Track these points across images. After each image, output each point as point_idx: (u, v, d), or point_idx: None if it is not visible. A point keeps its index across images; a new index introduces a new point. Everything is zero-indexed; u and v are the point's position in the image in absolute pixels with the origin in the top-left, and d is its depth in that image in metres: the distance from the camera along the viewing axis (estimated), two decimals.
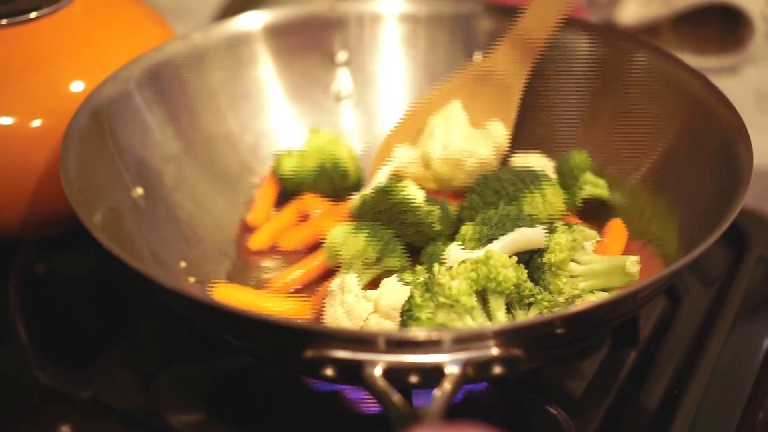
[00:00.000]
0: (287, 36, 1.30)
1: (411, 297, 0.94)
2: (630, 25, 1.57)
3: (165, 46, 1.21)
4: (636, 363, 1.07)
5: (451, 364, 0.80)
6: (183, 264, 1.13)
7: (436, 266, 0.94)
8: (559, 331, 0.86)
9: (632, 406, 1.04)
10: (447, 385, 0.79)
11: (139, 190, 1.13)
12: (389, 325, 0.99)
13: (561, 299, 0.99)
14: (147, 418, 1.02)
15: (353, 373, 0.81)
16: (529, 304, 0.94)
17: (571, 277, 1.00)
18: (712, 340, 1.10)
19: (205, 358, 1.08)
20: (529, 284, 0.94)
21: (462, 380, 0.80)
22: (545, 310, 0.94)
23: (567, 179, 1.15)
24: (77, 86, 1.14)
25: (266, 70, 1.30)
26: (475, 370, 0.81)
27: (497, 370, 0.82)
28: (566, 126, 1.24)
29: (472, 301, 0.90)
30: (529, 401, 1.01)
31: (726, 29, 1.60)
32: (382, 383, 0.80)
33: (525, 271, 0.94)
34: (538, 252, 1.01)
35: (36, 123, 1.12)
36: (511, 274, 0.92)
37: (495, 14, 1.29)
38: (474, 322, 0.90)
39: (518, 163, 1.23)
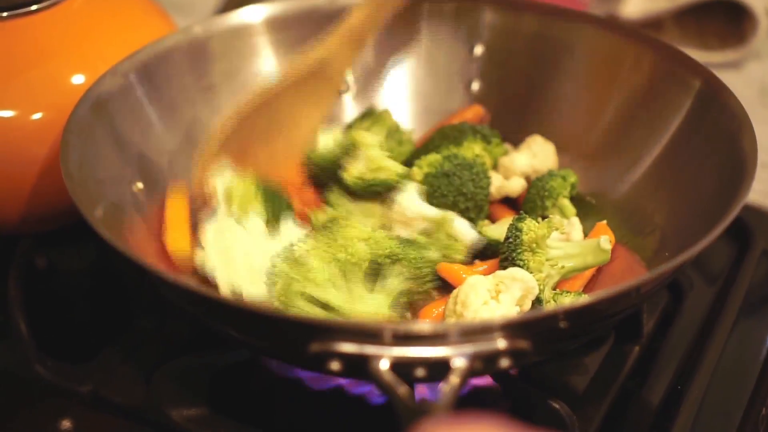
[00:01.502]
0: (288, 29, 1.29)
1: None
2: (634, 20, 1.57)
3: (166, 39, 1.21)
4: (639, 358, 1.07)
5: (458, 357, 0.80)
6: None
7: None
8: (564, 324, 0.86)
9: (635, 401, 1.04)
10: (454, 379, 0.79)
11: (140, 185, 1.12)
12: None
13: (540, 275, 1.02)
14: (147, 413, 1.01)
15: (359, 367, 0.81)
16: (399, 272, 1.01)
17: (548, 259, 1.03)
18: (715, 336, 1.10)
19: (206, 352, 1.07)
20: (392, 250, 1.02)
21: (469, 373, 0.80)
22: (417, 270, 1.01)
23: (537, 198, 1.15)
24: (78, 79, 1.14)
25: (267, 64, 1.29)
26: (482, 363, 0.81)
27: (504, 363, 0.82)
28: (569, 120, 1.24)
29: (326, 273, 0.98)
30: (533, 396, 1.01)
31: (730, 24, 1.60)
32: (389, 377, 0.79)
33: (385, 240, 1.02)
34: (514, 234, 1.04)
35: (36, 116, 1.11)
36: (363, 247, 1.00)
37: (497, 7, 1.29)
38: (337, 292, 0.97)
39: (522, 147, 1.23)
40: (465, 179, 1.14)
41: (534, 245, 1.04)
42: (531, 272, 1.02)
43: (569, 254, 1.06)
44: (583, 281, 1.08)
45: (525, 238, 1.03)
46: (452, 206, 1.13)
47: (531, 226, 1.04)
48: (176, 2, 1.51)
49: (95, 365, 1.07)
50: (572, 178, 1.16)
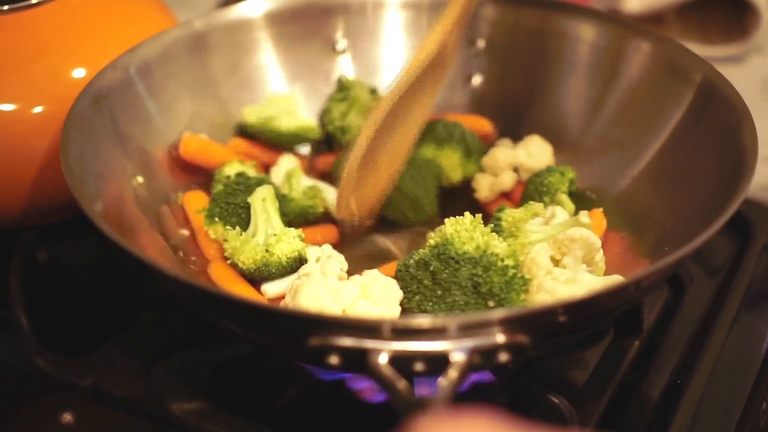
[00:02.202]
0: (288, 23, 1.30)
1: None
2: (636, 14, 1.57)
3: (166, 33, 1.21)
4: (639, 352, 1.07)
5: (456, 351, 0.80)
6: (181, 254, 1.13)
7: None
8: (563, 318, 0.86)
9: (635, 396, 1.03)
10: (453, 373, 0.79)
11: (140, 179, 1.12)
12: (377, 311, 1.00)
13: (521, 258, 1.04)
14: (147, 406, 1.02)
15: (358, 361, 0.81)
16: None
17: (530, 243, 1.06)
18: (715, 330, 1.09)
19: (206, 346, 1.07)
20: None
21: (468, 368, 0.80)
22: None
23: (534, 193, 1.15)
24: (79, 73, 1.14)
25: (267, 58, 1.29)
26: (481, 358, 0.81)
27: (503, 357, 0.82)
28: (570, 114, 1.24)
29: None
30: (532, 391, 1.01)
31: (732, 18, 1.59)
32: (387, 371, 0.79)
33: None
34: (495, 222, 1.08)
35: (37, 110, 1.11)
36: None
37: (497, 2, 1.29)
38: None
39: (520, 147, 1.23)
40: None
41: (513, 229, 1.07)
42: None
43: (551, 235, 1.07)
44: None
45: (504, 224, 1.07)
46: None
47: (509, 213, 1.08)
48: None
49: (96, 359, 1.07)
50: (571, 174, 1.16)
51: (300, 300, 0.99)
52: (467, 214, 1.04)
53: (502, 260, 1.00)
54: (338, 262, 1.05)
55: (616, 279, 1.00)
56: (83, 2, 1.18)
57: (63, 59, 1.15)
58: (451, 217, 1.04)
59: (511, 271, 0.99)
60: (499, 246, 1.02)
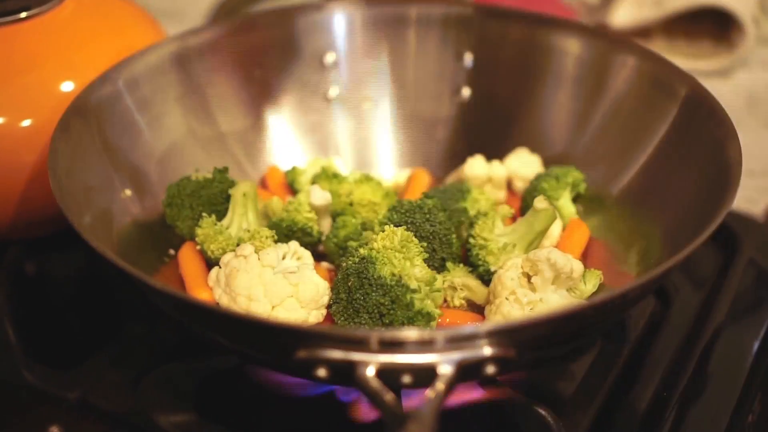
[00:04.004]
0: (276, 37, 1.30)
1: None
2: (622, 28, 1.58)
3: (155, 47, 1.21)
4: (626, 365, 1.07)
5: (444, 363, 0.80)
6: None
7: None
8: (549, 330, 0.86)
9: (622, 408, 1.04)
10: (440, 385, 0.79)
11: (128, 192, 1.12)
12: (302, 315, 1.02)
13: (498, 266, 1.07)
14: (135, 419, 1.01)
15: (346, 373, 0.81)
16: None
17: (499, 248, 1.08)
18: (701, 342, 1.10)
19: (193, 358, 1.08)
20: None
21: (455, 380, 0.80)
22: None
23: (529, 199, 1.14)
24: (67, 86, 1.14)
25: (256, 72, 1.29)
26: (468, 370, 0.81)
27: (490, 369, 0.82)
28: (556, 127, 1.25)
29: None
30: (519, 402, 1.01)
31: (718, 32, 1.61)
32: (375, 383, 0.79)
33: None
34: (468, 244, 1.11)
35: (25, 123, 1.12)
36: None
37: (485, 16, 1.29)
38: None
39: (509, 160, 1.24)
40: (419, 222, 1.09)
41: (482, 241, 1.09)
42: (490, 267, 1.08)
43: (517, 233, 1.09)
44: (553, 242, 1.14)
45: (472, 241, 1.10)
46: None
47: (474, 230, 1.10)
48: (166, 9, 1.52)
49: (83, 372, 1.07)
50: (569, 178, 1.17)
51: (234, 287, 1.01)
52: (401, 230, 1.04)
53: (413, 292, 0.99)
54: (275, 254, 1.05)
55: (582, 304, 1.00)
56: (72, 16, 1.18)
57: (51, 72, 1.15)
58: (387, 228, 1.04)
59: (417, 306, 0.99)
60: (417, 273, 1.01)
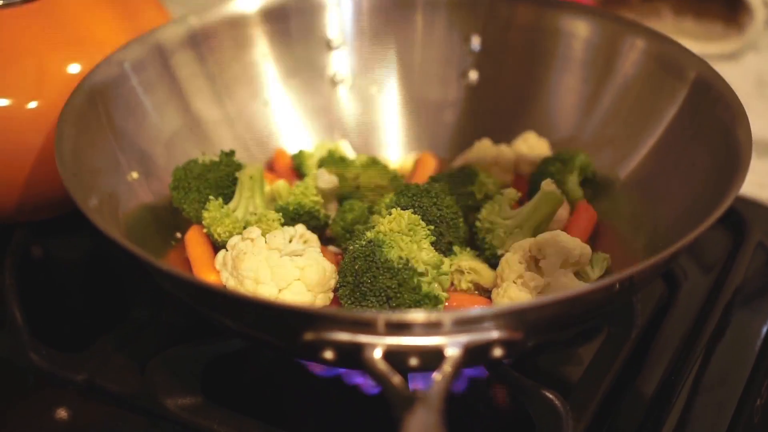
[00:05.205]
0: (283, 19, 1.29)
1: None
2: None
3: (161, 28, 1.20)
4: (633, 349, 1.07)
5: (451, 346, 0.80)
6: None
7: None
8: (557, 313, 0.86)
9: (629, 392, 1.04)
10: (447, 368, 0.79)
11: (135, 174, 1.12)
12: (309, 298, 1.02)
13: (500, 242, 1.08)
14: (142, 401, 1.02)
15: (353, 356, 0.81)
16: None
17: (505, 232, 1.09)
18: (709, 327, 1.10)
19: (200, 341, 1.07)
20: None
21: (462, 363, 0.80)
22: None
23: (538, 182, 1.12)
24: (74, 68, 1.14)
25: (262, 54, 1.29)
26: (475, 353, 0.81)
27: (497, 352, 0.82)
28: (564, 110, 1.24)
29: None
30: (526, 386, 1.01)
31: (727, 15, 1.60)
32: (382, 366, 0.79)
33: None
34: (475, 228, 1.11)
35: (32, 105, 1.11)
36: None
37: None
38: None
39: (517, 143, 1.23)
40: (426, 206, 1.08)
41: (488, 225, 1.09)
42: (497, 251, 1.08)
43: (524, 217, 1.09)
44: (560, 226, 1.12)
45: (479, 225, 1.10)
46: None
47: (481, 214, 1.11)
48: None
49: (90, 354, 1.07)
50: (577, 162, 1.16)
51: (241, 270, 1.02)
52: (408, 213, 1.04)
53: (421, 275, 0.99)
54: (282, 237, 1.05)
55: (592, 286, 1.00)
56: None
57: (57, 55, 1.14)
58: (394, 211, 1.04)
59: (424, 290, 0.99)
60: (424, 256, 1.01)
